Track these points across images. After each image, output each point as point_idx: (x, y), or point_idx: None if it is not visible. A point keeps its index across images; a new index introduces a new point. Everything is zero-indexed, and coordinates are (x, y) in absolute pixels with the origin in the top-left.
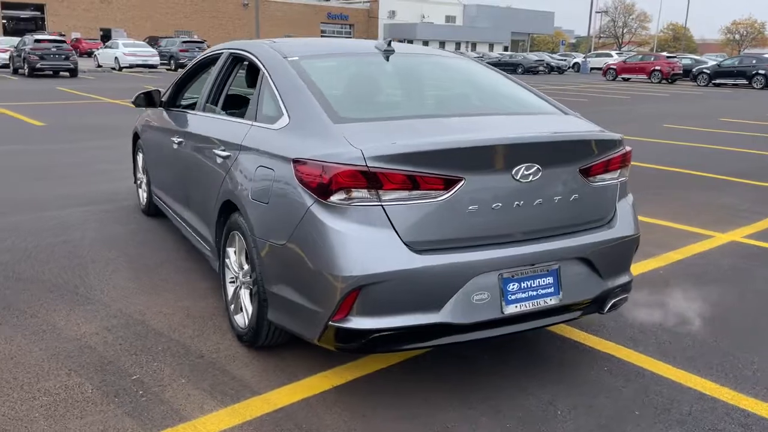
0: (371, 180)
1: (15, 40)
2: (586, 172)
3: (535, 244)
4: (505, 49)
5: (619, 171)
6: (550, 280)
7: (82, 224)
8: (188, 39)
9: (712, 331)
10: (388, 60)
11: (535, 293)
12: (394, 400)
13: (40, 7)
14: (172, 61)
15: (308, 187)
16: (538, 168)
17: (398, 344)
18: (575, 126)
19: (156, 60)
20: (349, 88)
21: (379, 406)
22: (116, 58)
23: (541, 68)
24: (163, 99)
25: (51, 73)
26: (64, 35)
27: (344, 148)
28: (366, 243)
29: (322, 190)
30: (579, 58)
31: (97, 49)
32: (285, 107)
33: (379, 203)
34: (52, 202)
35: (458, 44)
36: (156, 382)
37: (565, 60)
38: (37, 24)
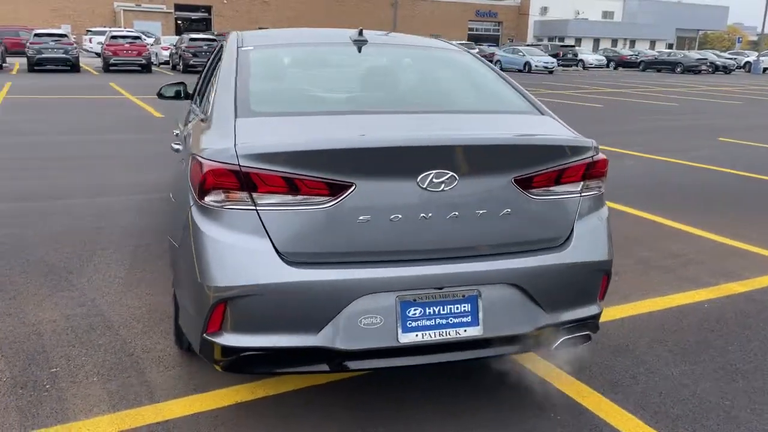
0: (244, 181)
1: (176, 39)
2: (526, 183)
3: (446, 264)
4: (669, 46)
5: (581, 183)
6: (465, 307)
7: (126, 211)
8: None
9: (723, 392)
10: (360, 51)
11: (444, 321)
12: (290, 427)
13: (208, 9)
14: None
15: (192, 186)
16: (452, 176)
17: (273, 366)
18: (531, 128)
19: None
20: (287, 80)
21: None
22: None
23: (703, 67)
24: (190, 91)
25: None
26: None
27: (224, 144)
28: (236, 251)
29: (199, 190)
30: (752, 57)
31: None
32: (214, 100)
33: (254, 208)
34: (118, 188)
35: (614, 41)
36: (70, 377)
37: (734, 59)
38: (206, 24)
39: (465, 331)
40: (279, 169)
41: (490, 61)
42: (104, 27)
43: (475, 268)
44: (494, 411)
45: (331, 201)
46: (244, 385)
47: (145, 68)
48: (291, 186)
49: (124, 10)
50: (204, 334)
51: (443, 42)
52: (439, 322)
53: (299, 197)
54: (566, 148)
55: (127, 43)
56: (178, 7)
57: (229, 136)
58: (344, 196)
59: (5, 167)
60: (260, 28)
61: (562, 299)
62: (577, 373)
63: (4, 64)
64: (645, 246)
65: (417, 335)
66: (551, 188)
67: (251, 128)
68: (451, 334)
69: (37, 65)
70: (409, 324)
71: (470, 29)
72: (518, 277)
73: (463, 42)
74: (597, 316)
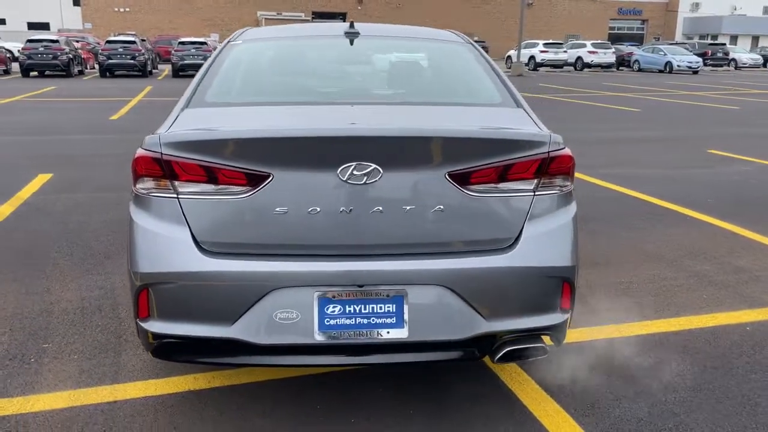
0: (166, 169)
1: None
2: (463, 179)
3: (367, 261)
4: None
5: (534, 181)
6: (390, 308)
7: None
8: None
9: (717, 425)
10: (352, 44)
11: (366, 321)
12: (222, 419)
13: (343, 15)
14: None
15: None
16: (376, 168)
17: (194, 355)
18: (482, 121)
19: None
20: (257, 71)
21: (196, 425)
22: None
23: None
24: None
25: None
26: None
27: (156, 134)
28: (157, 238)
29: (133, 178)
30: None
31: None
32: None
33: (175, 196)
34: None
35: None
36: (55, 354)
37: None
38: None
39: (388, 332)
40: (197, 158)
41: (627, 62)
42: None
43: (400, 267)
44: (437, 418)
45: (249, 191)
46: (205, 374)
47: None
48: (209, 175)
49: (266, 19)
50: (137, 320)
51: (446, 33)
52: (359, 322)
53: (217, 187)
54: (510, 142)
55: None
56: (316, 15)
57: (166, 127)
58: (261, 186)
59: (102, 162)
60: None
61: (506, 306)
62: (553, 389)
63: (154, 70)
64: (708, 258)
65: (334, 334)
66: (495, 185)
67: (190, 118)
68: (374, 336)
69: (180, 71)
70: (327, 321)
71: (611, 28)
72: (450, 279)
73: (599, 42)
74: (556, 327)
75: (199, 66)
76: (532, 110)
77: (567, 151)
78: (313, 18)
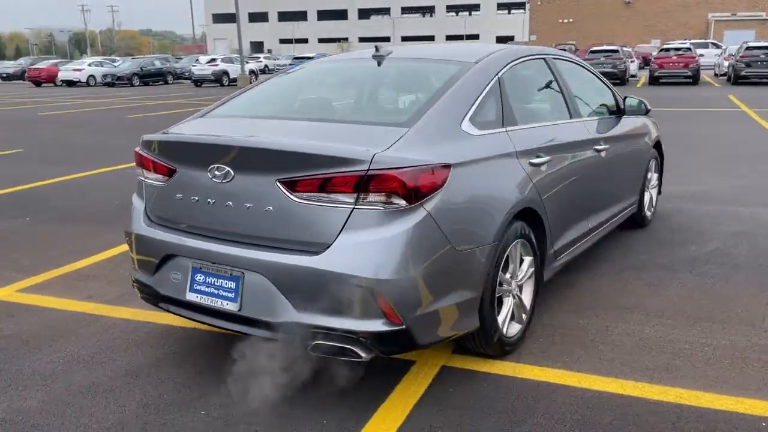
0: (140, 162)
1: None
2: (290, 186)
3: (220, 244)
4: None
5: (355, 195)
6: (231, 284)
7: None
8: None
9: None
10: (379, 65)
11: (215, 291)
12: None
13: None
14: None
15: None
16: (228, 171)
17: (146, 296)
18: (335, 137)
19: None
20: (271, 89)
21: (155, 349)
22: None
23: None
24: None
25: (755, 81)
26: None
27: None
28: (132, 208)
29: None
30: None
31: None
32: None
33: (143, 179)
34: None
35: None
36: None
37: None
38: None
39: (227, 304)
40: (149, 155)
41: None
42: (684, 41)
43: (237, 253)
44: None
45: (166, 180)
46: None
47: (693, 80)
48: (153, 167)
49: (716, 21)
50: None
51: (476, 51)
52: (211, 291)
53: (155, 175)
54: (329, 158)
55: (675, 55)
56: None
57: (166, 129)
58: (172, 177)
59: None
60: None
61: (315, 303)
62: None
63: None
64: None
65: (197, 296)
66: (316, 194)
67: (184, 125)
68: (217, 304)
69: None
70: (195, 286)
71: None
72: (267, 270)
73: None
74: (373, 336)
75: (602, 74)
76: (435, 132)
77: (395, 172)
78: None
